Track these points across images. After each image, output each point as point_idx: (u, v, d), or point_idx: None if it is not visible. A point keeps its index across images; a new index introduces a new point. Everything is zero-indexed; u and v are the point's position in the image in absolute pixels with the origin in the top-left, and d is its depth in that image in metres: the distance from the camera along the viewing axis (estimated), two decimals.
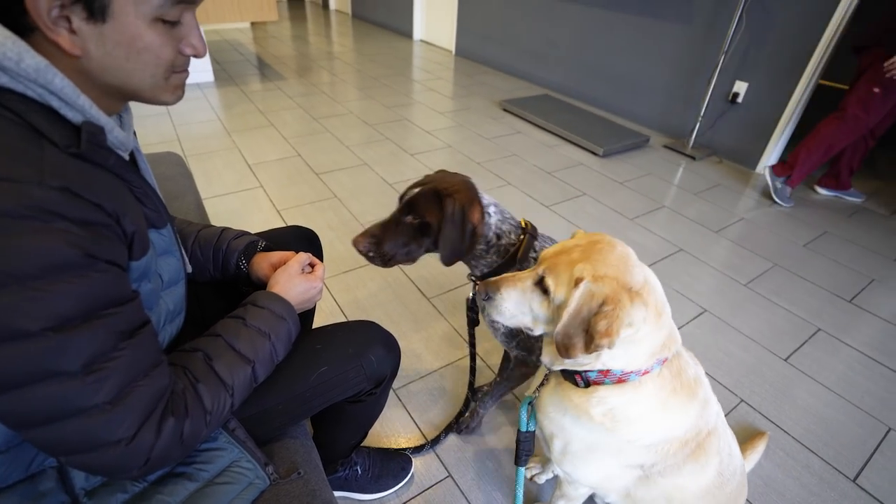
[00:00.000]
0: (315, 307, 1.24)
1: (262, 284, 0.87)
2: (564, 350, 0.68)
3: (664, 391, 0.75)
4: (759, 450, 1.28)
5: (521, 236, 1.01)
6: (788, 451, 1.38)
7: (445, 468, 1.29)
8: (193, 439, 0.60)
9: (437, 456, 1.31)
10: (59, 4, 0.45)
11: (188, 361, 0.64)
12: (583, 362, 0.74)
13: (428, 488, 1.24)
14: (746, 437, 1.34)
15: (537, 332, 0.78)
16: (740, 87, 3.05)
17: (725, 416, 1.45)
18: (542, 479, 1.26)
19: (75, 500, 0.61)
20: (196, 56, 0.59)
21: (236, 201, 2.39)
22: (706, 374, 0.87)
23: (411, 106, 3.85)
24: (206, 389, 0.62)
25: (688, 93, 3.35)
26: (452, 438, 1.36)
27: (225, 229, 0.96)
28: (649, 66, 3.56)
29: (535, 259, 1.01)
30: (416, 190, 0.97)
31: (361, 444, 1.17)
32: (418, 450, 1.31)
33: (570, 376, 0.78)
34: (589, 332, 0.66)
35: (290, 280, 0.81)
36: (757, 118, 3.04)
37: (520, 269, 1.02)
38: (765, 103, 2.98)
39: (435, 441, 1.33)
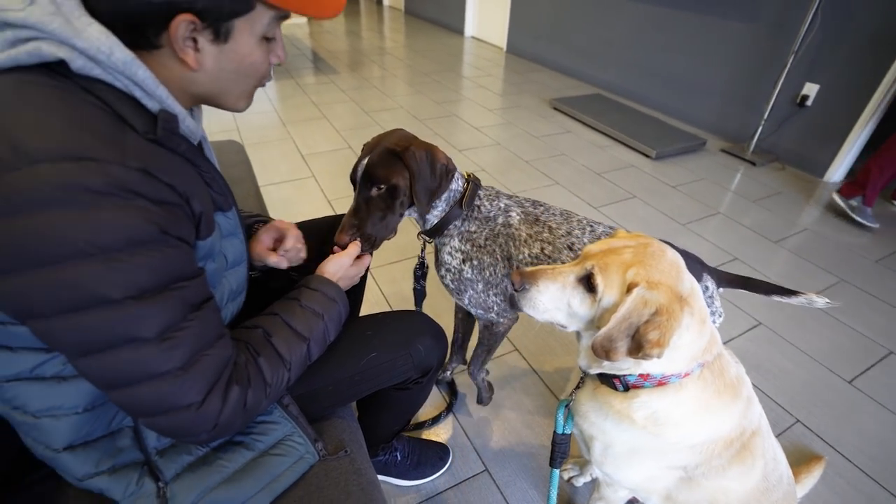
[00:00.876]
0: (362, 296, 1.28)
1: (263, 267, 0.89)
2: (604, 353, 0.67)
3: (707, 392, 0.74)
4: (814, 474, 1.21)
5: (466, 184, 1.06)
6: (850, 479, 1.30)
7: (483, 462, 1.29)
8: (255, 409, 0.64)
9: (475, 450, 1.32)
10: (192, 28, 0.52)
11: (249, 336, 0.67)
12: (622, 367, 0.73)
13: (464, 480, 1.25)
14: (801, 460, 1.27)
15: (571, 329, 0.77)
16: (810, 90, 2.87)
17: (778, 435, 1.38)
18: (580, 482, 1.24)
19: (147, 457, 0.66)
20: (280, 64, 0.64)
21: (290, 189, 2.48)
22: (756, 386, 0.83)
23: (461, 102, 3.85)
24: (266, 363, 0.65)
25: (750, 94, 3.19)
26: (491, 434, 1.36)
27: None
28: (709, 67, 3.41)
29: (480, 207, 1.06)
30: (365, 161, 0.96)
31: (402, 432, 1.19)
32: (436, 420, 1.38)
33: (607, 380, 0.77)
34: (636, 340, 0.65)
35: (341, 267, 0.85)
36: (827, 123, 2.86)
37: (466, 216, 1.06)
38: (837, 108, 2.79)
39: (447, 410, 1.41)
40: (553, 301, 0.74)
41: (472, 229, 1.07)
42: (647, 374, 0.72)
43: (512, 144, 3.16)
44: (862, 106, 2.68)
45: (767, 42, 3.03)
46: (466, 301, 1.13)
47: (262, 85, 0.66)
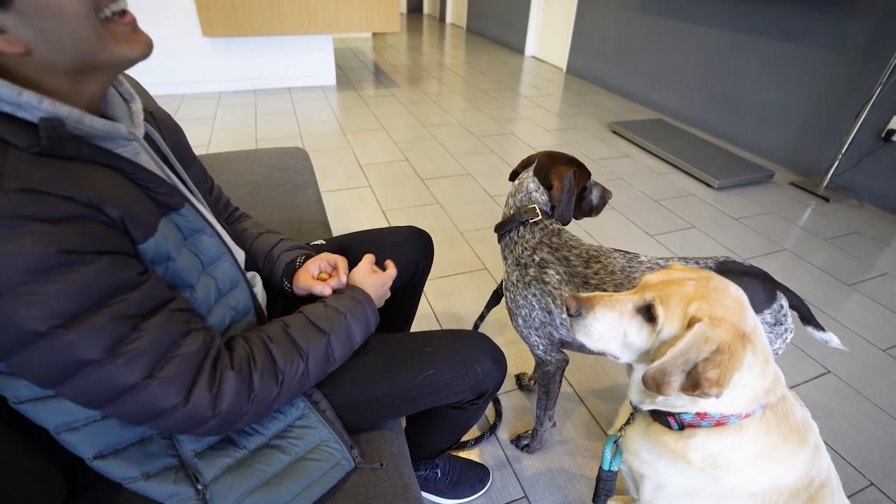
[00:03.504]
0: (415, 311, 1.29)
1: (309, 299, 0.87)
2: (656, 386, 0.65)
3: (770, 436, 0.69)
4: None
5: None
6: None
7: (522, 488, 1.26)
8: (265, 395, 0.64)
9: (515, 474, 1.29)
10: None
11: (268, 327, 0.70)
12: (677, 404, 0.70)
13: None
14: None
15: (623, 360, 0.74)
16: None
17: (850, 497, 1.27)
18: None
19: (183, 461, 0.68)
20: None
21: (346, 198, 2.55)
22: (824, 441, 0.78)
23: (518, 121, 3.86)
24: (279, 349, 0.67)
25: (827, 126, 3.01)
26: (533, 461, 1.33)
27: (281, 240, 0.96)
28: (783, 95, 3.25)
29: (515, 245, 1.10)
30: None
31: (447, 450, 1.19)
32: (479, 440, 1.37)
33: (661, 417, 0.74)
34: (693, 377, 0.62)
35: (366, 276, 0.87)
36: None
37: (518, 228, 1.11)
38: None
39: (491, 430, 1.39)
40: (609, 329, 0.72)
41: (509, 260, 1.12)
42: (705, 414, 0.69)
43: None
44: None
45: (851, 72, 2.86)
46: (532, 336, 1.13)
47: (120, 18, 0.56)
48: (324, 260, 0.91)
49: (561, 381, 1.21)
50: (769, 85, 3.33)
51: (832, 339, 1.00)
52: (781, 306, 0.94)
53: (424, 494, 1.21)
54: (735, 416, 0.68)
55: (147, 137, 0.70)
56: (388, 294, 0.91)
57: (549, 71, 5.45)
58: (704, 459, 0.71)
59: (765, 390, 0.68)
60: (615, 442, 0.86)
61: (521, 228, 1.11)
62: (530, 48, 6.05)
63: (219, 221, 0.85)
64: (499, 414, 1.44)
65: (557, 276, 1.04)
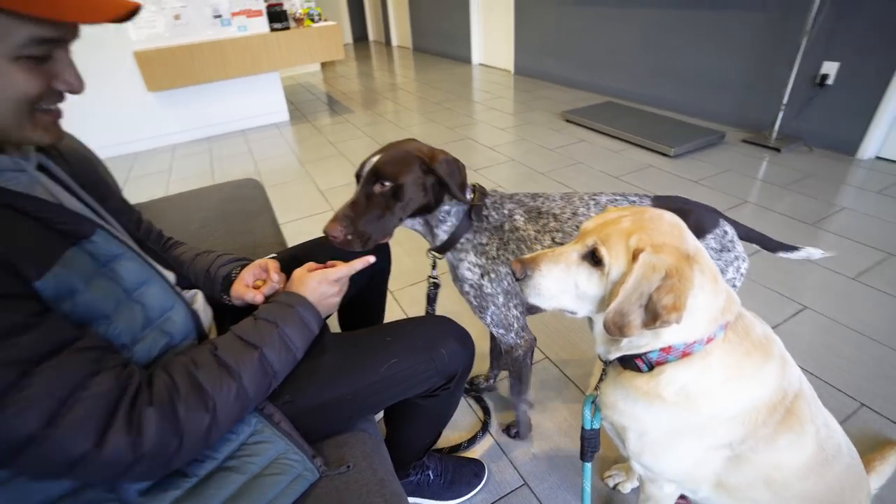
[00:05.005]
0: (383, 312, 1.26)
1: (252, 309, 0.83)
2: (618, 330, 0.64)
3: (735, 355, 0.69)
4: (890, 461, 1.10)
5: (473, 195, 1.02)
6: None
7: (521, 476, 1.23)
8: (196, 426, 0.60)
9: (512, 463, 1.26)
10: None
11: (195, 351, 0.66)
12: (640, 343, 0.69)
13: (502, 497, 1.19)
14: (873, 447, 1.16)
15: (581, 314, 0.73)
16: (829, 68, 2.77)
17: (842, 422, 1.26)
18: (626, 489, 1.16)
19: (128, 502, 0.63)
20: (72, 92, 0.58)
21: (310, 224, 2.53)
22: (812, 374, 0.77)
23: (473, 126, 3.91)
24: (205, 373, 0.63)
25: (766, 82, 3.11)
26: (527, 446, 1.30)
27: (218, 256, 0.95)
28: (719, 60, 3.36)
29: (489, 217, 1.03)
30: (377, 158, 0.93)
31: (433, 449, 1.15)
32: (472, 440, 1.33)
33: (629, 363, 0.73)
34: (650, 309, 0.62)
35: (300, 278, 0.83)
36: (853, 99, 2.74)
37: (477, 228, 1.03)
38: (862, 81, 2.68)
39: (482, 432, 1.33)
40: (558, 284, 0.70)
41: (484, 241, 1.04)
42: (670, 347, 0.68)
43: (526, 159, 3.16)
44: (890, 74, 2.57)
45: (778, 26, 2.97)
46: (489, 320, 1.09)
47: (52, 111, 0.58)
48: (256, 267, 0.89)
49: (531, 363, 1.19)
50: (707, 52, 3.44)
51: (812, 252, 1.01)
52: (725, 232, 0.95)
53: (421, 501, 1.17)
54: (698, 342, 0.67)
55: (43, 168, 0.67)
56: (339, 291, 0.87)
57: (498, 75, 5.55)
58: (678, 393, 0.70)
59: (720, 309, 0.67)
60: (593, 402, 0.85)
61: (486, 200, 1.05)
62: (476, 56, 6.17)
63: (152, 254, 0.82)
64: (486, 411, 1.41)
65: (522, 218, 1.04)
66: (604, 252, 0.66)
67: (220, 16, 3.70)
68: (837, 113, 2.84)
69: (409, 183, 0.93)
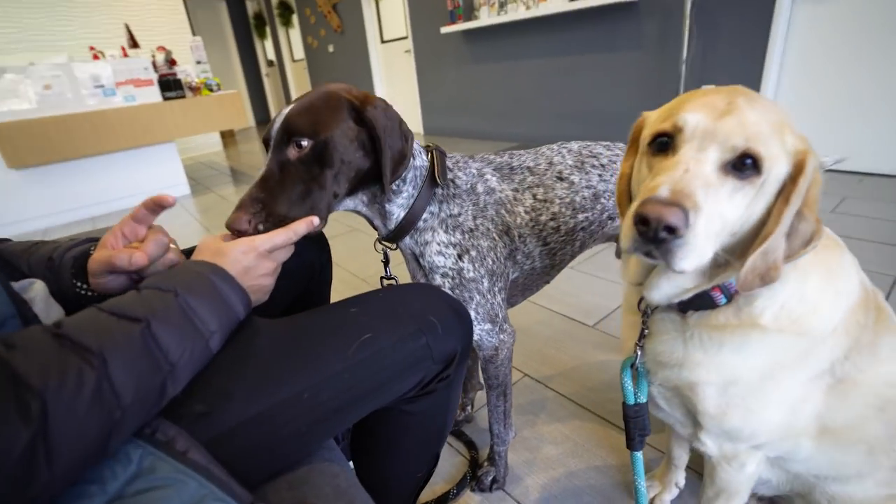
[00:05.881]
0: (329, 291, 0.98)
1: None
2: (761, 279, 0.47)
3: (818, 253, 0.54)
4: None
5: (430, 156, 0.82)
6: None
7: None
8: (13, 441, 0.33)
9: (519, 503, 0.98)
10: None
11: (11, 333, 0.40)
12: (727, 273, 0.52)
13: None
14: None
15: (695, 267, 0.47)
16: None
17: None
18: (665, 500, 0.93)
19: None
20: None
21: None
22: None
23: None
24: (26, 356, 0.37)
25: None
26: (533, 478, 1.04)
27: (63, 244, 0.66)
28: (613, 97, 3.64)
29: (455, 181, 0.82)
30: (289, 108, 0.69)
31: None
32: (461, 485, 1.03)
33: (697, 300, 0.55)
34: (795, 230, 0.47)
35: (212, 247, 0.58)
36: None
37: (443, 197, 0.81)
38: None
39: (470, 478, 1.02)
40: (719, 220, 0.45)
41: (455, 211, 0.81)
42: None
43: None
44: (757, 88, 2.89)
45: (658, 60, 3.29)
46: (473, 314, 0.85)
47: None
48: (126, 226, 0.60)
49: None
50: (601, 91, 3.73)
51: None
52: None
53: None
54: None
55: None
56: (273, 270, 0.61)
57: None
58: (778, 316, 0.53)
59: None
60: (632, 366, 0.65)
61: (447, 161, 0.85)
62: None
63: None
64: (471, 445, 1.13)
65: (495, 177, 0.87)
66: (761, 151, 0.45)
67: (101, 85, 3.37)
68: None
69: (336, 137, 0.68)
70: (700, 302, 0.55)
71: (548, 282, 1.03)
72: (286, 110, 0.70)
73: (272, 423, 0.50)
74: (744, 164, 0.46)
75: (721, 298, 0.54)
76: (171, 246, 0.63)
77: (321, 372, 0.52)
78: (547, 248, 0.91)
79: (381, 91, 6.11)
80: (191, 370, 0.47)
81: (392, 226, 0.80)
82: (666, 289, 0.56)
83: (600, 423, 1.15)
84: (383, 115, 0.70)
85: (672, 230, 0.42)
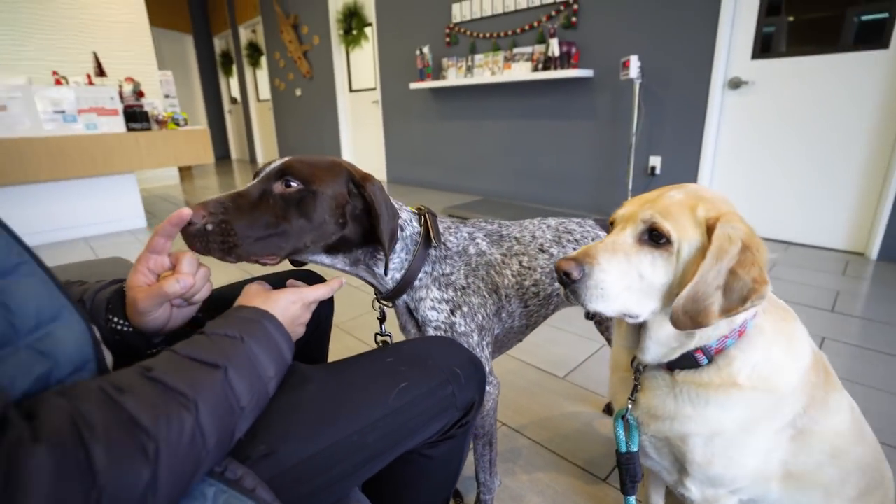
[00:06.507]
0: (327, 346, 1.02)
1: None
2: (691, 320, 0.56)
3: (778, 322, 0.67)
4: None
5: (422, 219, 0.88)
6: None
7: None
8: (126, 483, 0.37)
9: None
10: None
11: (110, 376, 0.44)
12: (711, 334, 0.63)
13: None
14: None
15: (644, 315, 0.62)
16: (655, 161, 3.44)
17: None
18: None
19: None
20: None
21: None
22: None
23: None
24: (137, 400, 0.41)
25: (613, 174, 3.71)
26: None
27: (93, 283, 0.67)
28: (571, 160, 3.96)
29: (447, 243, 0.90)
30: (287, 158, 0.74)
31: None
32: None
33: (683, 360, 0.66)
34: (732, 287, 0.55)
35: (260, 295, 0.63)
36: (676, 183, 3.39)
37: (436, 258, 0.88)
38: (679, 170, 3.36)
39: None
40: (623, 278, 0.58)
41: (448, 270, 0.89)
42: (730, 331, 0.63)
43: None
44: (696, 163, 3.26)
45: (612, 131, 3.64)
46: None
47: None
48: (149, 261, 0.60)
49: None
50: (560, 154, 4.03)
51: None
52: None
53: None
54: (747, 319, 0.64)
55: None
56: (305, 319, 0.66)
57: None
58: (751, 377, 0.64)
59: None
60: (623, 417, 0.74)
61: (434, 245, 0.90)
62: None
63: None
64: (457, 495, 1.17)
65: (485, 241, 0.95)
66: (668, 227, 0.58)
67: (62, 111, 3.28)
68: None
69: (325, 193, 0.70)
70: (685, 362, 0.66)
71: (521, 340, 1.12)
72: (288, 158, 0.74)
73: (325, 464, 0.54)
74: (660, 236, 0.59)
75: (703, 359, 0.65)
76: (202, 270, 0.64)
77: (366, 417, 0.58)
78: (527, 311, 1.00)
79: (346, 137, 6.25)
80: (255, 414, 0.52)
81: (389, 286, 0.86)
82: (654, 350, 0.66)
83: (577, 472, 1.23)
84: (381, 194, 0.75)
85: (569, 275, 0.58)
